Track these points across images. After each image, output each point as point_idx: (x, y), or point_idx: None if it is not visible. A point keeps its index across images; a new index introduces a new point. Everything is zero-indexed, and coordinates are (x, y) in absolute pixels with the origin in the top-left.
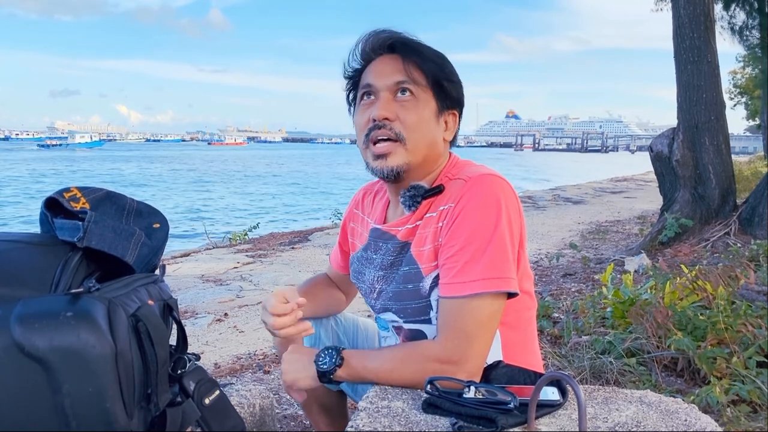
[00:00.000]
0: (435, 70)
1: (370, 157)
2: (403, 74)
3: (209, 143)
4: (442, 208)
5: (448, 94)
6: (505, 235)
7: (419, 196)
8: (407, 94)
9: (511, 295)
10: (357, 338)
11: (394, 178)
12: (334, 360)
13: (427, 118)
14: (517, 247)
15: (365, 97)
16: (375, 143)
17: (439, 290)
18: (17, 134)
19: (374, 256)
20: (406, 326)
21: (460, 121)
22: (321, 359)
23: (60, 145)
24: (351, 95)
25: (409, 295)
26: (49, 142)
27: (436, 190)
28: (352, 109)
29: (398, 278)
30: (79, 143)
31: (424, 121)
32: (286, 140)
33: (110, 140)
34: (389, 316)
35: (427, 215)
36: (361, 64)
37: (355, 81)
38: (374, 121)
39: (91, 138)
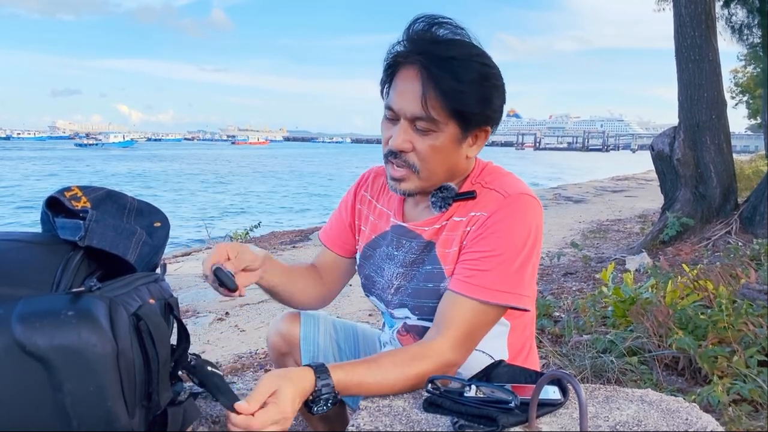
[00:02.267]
0: (457, 103)
1: (388, 175)
2: (420, 109)
3: (232, 143)
4: (473, 214)
5: (475, 119)
6: (531, 256)
7: (450, 198)
8: (425, 128)
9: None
10: (357, 345)
11: (409, 197)
12: (329, 405)
13: (445, 146)
14: (536, 266)
15: (388, 112)
16: (392, 163)
17: (449, 282)
18: (18, 133)
19: (395, 253)
20: (420, 323)
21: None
22: (317, 408)
23: (96, 144)
24: (384, 83)
25: (427, 293)
26: (85, 141)
27: (468, 196)
28: (384, 91)
29: (420, 276)
30: (113, 143)
31: (439, 151)
32: (287, 139)
33: None
34: (404, 312)
35: (455, 218)
36: (397, 54)
37: (389, 72)
38: (390, 148)
39: (123, 138)
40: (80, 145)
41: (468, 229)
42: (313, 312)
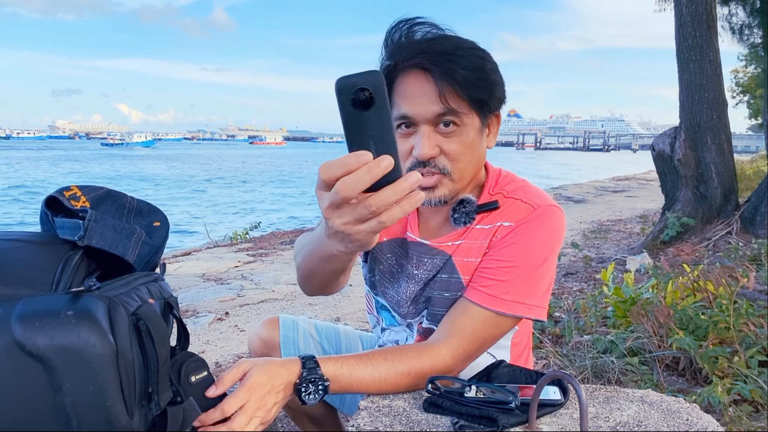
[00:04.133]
0: (474, 91)
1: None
2: (441, 105)
3: (250, 143)
4: (498, 224)
5: (491, 105)
6: (550, 267)
7: (473, 212)
8: (450, 126)
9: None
10: (340, 346)
11: (441, 206)
12: (320, 392)
13: (472, 140)
14: (554, 275)
15: (403, 127)
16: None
17: (465, 291)
18: (18, 133)
19: (416, 272)
20: (434, 327)
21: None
22: (308, 397)
23: (121, 143)
24: None
25: (443, 302)
26: (111, 140)
27: (491, 207)
28: None
29: (434, 285)
30: (137, 142)
31: (469, 147)
32: (287, 139)
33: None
34: (419, 318)
35: (477, 227)
36: (390, 67)
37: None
38: (416, 158)
39: (146, 137)
40: (107, 144)
41: (494, 239)
42: (292, 316)
